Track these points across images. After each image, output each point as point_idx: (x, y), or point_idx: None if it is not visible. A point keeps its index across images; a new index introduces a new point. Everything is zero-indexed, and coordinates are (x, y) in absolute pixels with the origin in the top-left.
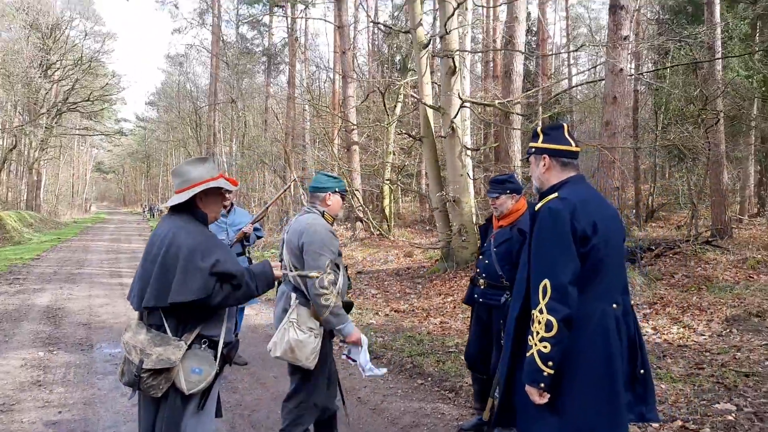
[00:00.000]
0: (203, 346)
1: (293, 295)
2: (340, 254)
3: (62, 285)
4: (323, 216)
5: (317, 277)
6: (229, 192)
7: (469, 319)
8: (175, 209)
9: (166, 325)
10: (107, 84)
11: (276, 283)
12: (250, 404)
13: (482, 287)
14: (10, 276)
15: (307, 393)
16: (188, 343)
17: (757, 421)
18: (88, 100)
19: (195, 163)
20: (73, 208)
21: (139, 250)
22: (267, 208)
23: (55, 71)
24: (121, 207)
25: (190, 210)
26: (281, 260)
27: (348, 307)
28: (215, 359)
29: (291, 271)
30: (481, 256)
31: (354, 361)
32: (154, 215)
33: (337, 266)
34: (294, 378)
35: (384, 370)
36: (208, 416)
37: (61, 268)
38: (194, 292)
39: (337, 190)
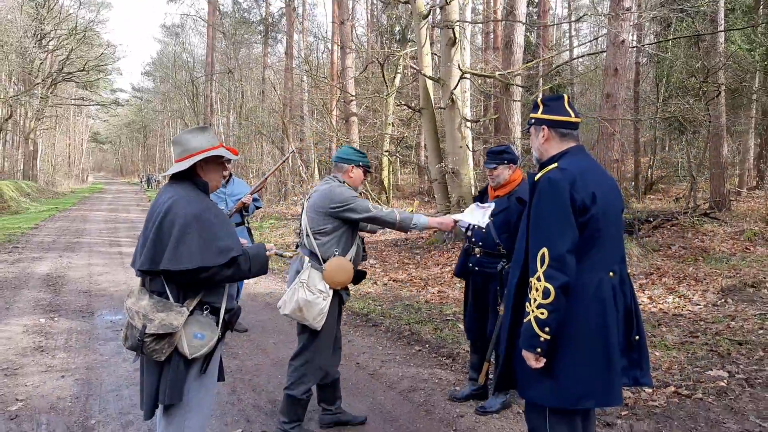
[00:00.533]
0: (205, 312)
1: (306, 258)
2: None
3: (61, 254)
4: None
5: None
6: (229, 161)
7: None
8: (175, 178)
9: (168, 291)
10: (102, 54)
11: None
12: (251, 369)
13: (478, 256)
14: (8, 245)
15: (313, 353)
16: (190, 309)
17: (747, 387)
18: (83, 70)
19: (195, 132)
20: (70, 178)
21: (137, 219)
22: (266, 178)
23: (50, 41)
24: (118, 177)
25: (191, 179)
26: (299, 230)
27: (360, 276)
28: (217, 325)
29: (307, 235)
30: (476, 226)
31: (467, 227)
32: (151, 185)
33: (353, 235)
34: (301, 338)
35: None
36: (210, 379)
37: (60, 238)
38: (184, 262)
39: (360, 164)
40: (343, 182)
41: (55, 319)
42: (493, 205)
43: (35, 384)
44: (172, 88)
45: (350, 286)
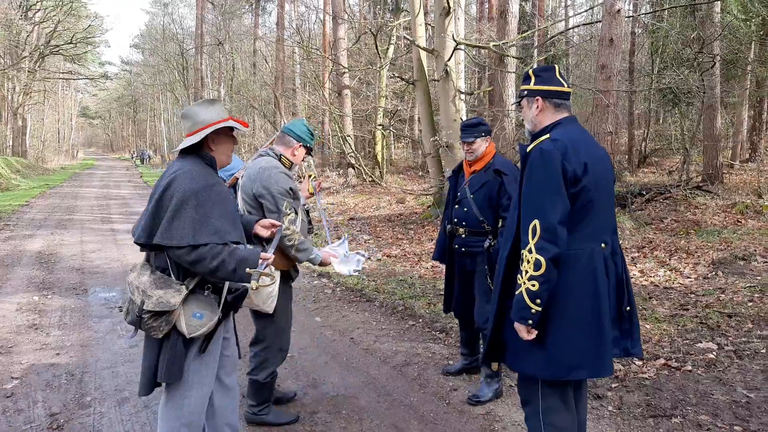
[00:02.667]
0: (207, 291)
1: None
2: (297, 197)
3: (53, 231)
4: (280, 160)
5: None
6: (241, 132)
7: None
8: (184, 152)
9: (170, 268)
10: (90, 26)
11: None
12: (245, 345)
13: (463, 236)
14: None
15: (272, 337)
16: (190, 287)
17: (736, 359)
18: (70, 42)
19: (204, 105)
20: (59, 154)
21: (129, 196)
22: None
23: (36, 13)
24: (108, 153)
25: (199, 153)
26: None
27: None
28: (219, 305)
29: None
30: (457, 206)
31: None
32: (143, 162)
33: (296, 211)
34: (257, 324)
35: (363, 258)
36: (211, 357)
37: (52, 215)
38: (176, 238)
39: (307, 145)
40: (280, 155)
41: (49, 296)
42: (353, 253)
43: (30, 362)
44: (162, 61)
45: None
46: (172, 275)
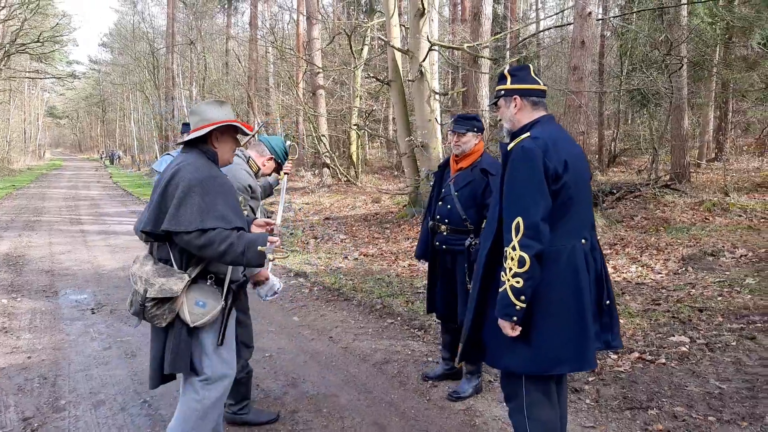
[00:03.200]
0: (209, 281)
1: None
2: (257, 198)
3: (20, 233)
4: (248, 162)
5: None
6: (244, 135)
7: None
8: (187, 147)
9: (172, 258)
10: (57, 24)
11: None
12: None
13: (445, 233)
14: None
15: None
16: (192, 276)
17: (708, 351)
18: (37, 41)
19: (213, 105)
20: (26, 155)
21: (98, 197)
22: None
23: (1, 10)
24: (76, 153)
25: (202, 148)
26: None
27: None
28: (222, 295)
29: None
30: (440, 203)
31: (264, 297)
32: (113, 162)
33: (253, 210)
34: None
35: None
36: (227, 350)
37: (19, 216)
38: (184, 223)
39: (279, 160)
40: (249, 158)
41: (18, 299)
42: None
43: (0, 365)
44: (132, 60)
45: None
46: (174, 265)
